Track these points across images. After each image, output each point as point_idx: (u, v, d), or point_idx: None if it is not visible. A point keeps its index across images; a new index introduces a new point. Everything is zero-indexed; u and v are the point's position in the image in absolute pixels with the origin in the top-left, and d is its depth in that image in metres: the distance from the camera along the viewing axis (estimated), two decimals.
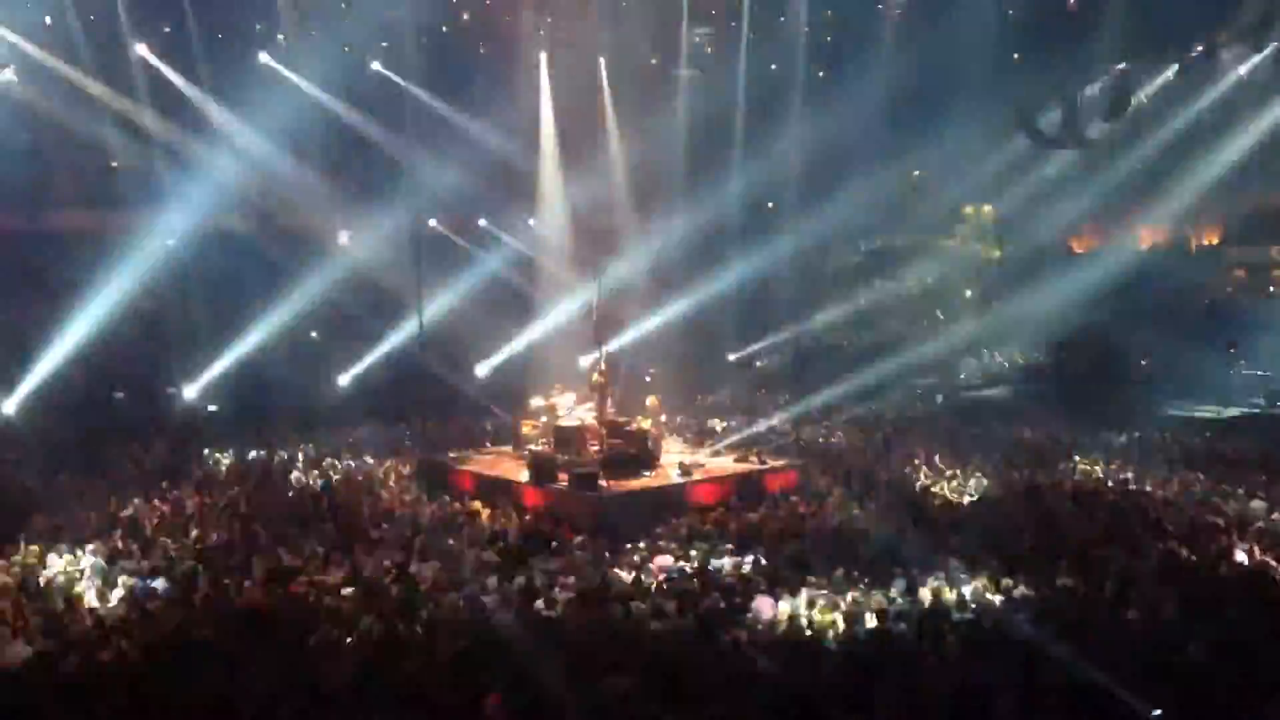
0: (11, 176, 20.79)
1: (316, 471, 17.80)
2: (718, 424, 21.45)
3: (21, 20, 20.31)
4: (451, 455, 18.20)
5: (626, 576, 11.13)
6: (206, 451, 18.85)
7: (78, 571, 11.20)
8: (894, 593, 10.09)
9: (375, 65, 24.08)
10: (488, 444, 19.53)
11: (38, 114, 20.58)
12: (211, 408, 22.31)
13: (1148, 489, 14.95)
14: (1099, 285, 23.23)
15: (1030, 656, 8.10)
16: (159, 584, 10.64)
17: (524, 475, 15.81)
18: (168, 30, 22.46)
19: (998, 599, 9.87)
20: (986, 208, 29.48)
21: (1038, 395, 23.00)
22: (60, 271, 21.32)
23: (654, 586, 10.71)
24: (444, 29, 25.26)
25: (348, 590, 10.54)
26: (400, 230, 24.10)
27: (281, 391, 21.63)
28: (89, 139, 21.53)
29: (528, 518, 14.33)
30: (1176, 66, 23.02)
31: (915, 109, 25.02)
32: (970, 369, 26.84)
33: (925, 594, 10.08)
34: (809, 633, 9.13)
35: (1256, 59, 21.90)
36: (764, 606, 9.79)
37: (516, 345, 24.31)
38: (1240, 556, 10.96)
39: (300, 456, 18.78)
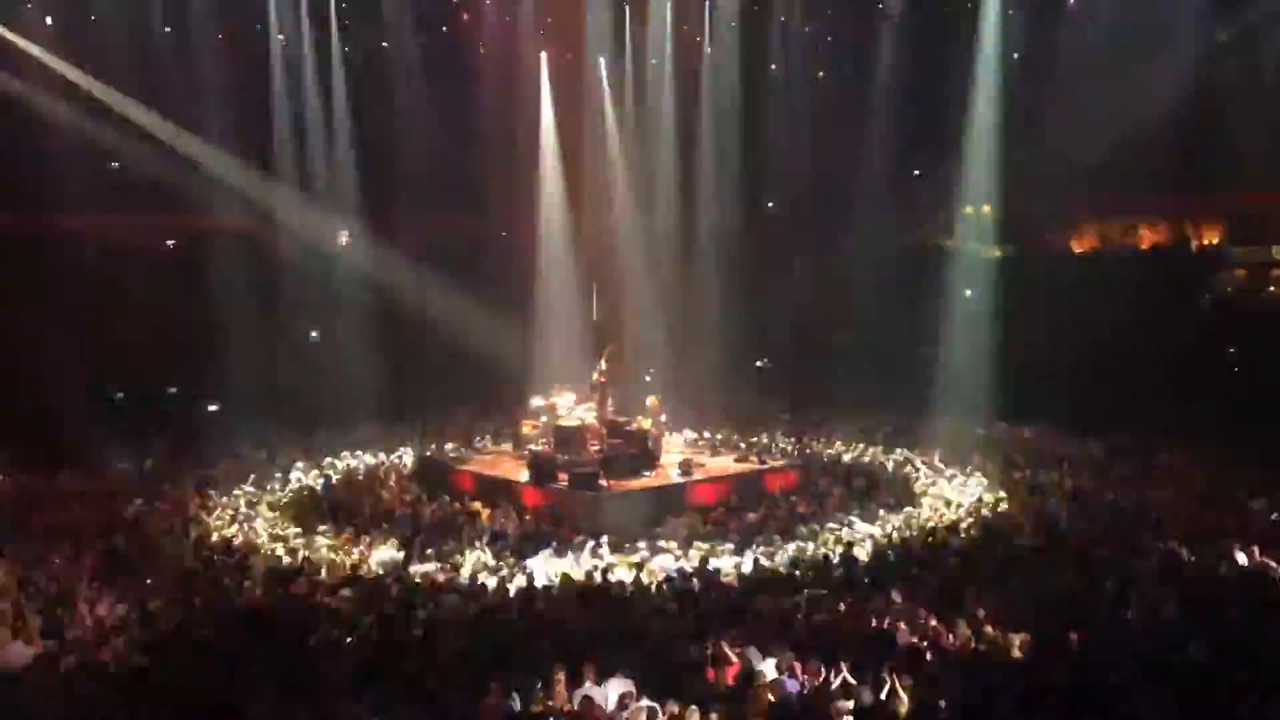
0: (11, 176, 20.78)
1: (316, 471, 17.84)
2: (717, 424, 21.46)
3: (22, 20, 20.32)
4: (451, 455, 18.21)
5: (627, 576, 11.16)
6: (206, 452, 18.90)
7: None
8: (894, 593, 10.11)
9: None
10: (487, 444, 19.56)
11: (38, 114, 20.56)
12: (211, 407, 22.29)
13: (1148, 489, 14.93)
14: (1099, 285, 23.17)
15: (1034, 658, 8.13)
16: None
17: (524, 475, 15.82)
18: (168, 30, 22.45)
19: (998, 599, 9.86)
20: (986, 208, 29.43)
21: (1038, 395, 22.95)
22: (60, 271, 21.31)
23: (654, 586, 10.73)
24: (444, 28, 25.23)
25: (347, 590, 10.56)
26: (400, 230, 24.17)
27: (281, 391, 21.64)
28: (89, 139, 21.49)
29: (528, 518, 14.35)
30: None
31: (916, 109, 24.96)
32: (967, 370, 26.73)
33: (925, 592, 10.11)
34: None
35: None
36: (764, 607, 9.80)
37: (516, 345, 24.26)
38: (1240, 557, 10.95)
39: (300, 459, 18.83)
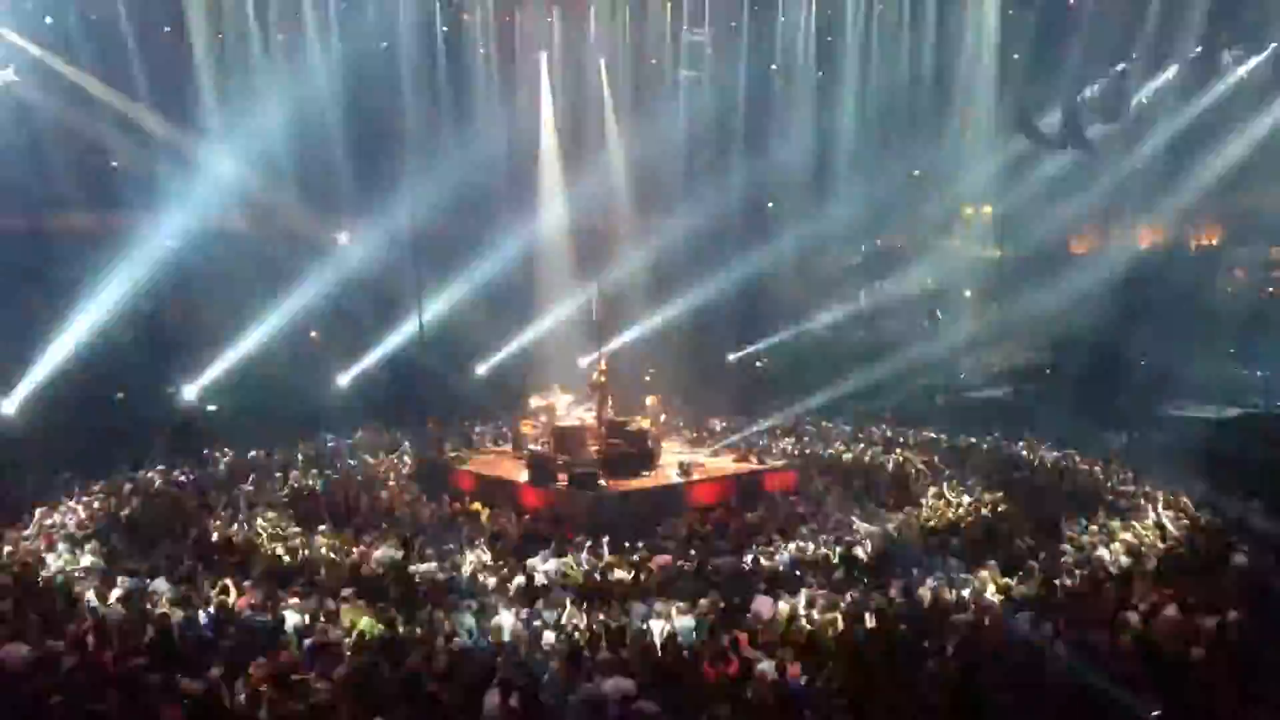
0: (11, 176, 20.78)
1: (316, 471, 17.84)
2: (717, 424, 21.48)
3: (22, 20, 20.31)
4: (451, 455, 18.23)
5: (626, 576, 11.15)
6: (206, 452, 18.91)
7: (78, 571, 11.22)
8: (893, 593, 10.11)
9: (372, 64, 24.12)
10: (487, 444, 19.56)
11: (38, 114, 20.56)
12: (211, 407, 22.30)
13: (1147, 489, 14.93)
14: (1099, 285, 23.20)
15: (1030, 656, 8.12)
16: (160, 584, 10.63)
17: (524, 475, 15.83)
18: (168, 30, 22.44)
19: (998, 599, 9.87)
20: (986, 208, 29.45)
21: (1037, 396, 22.99)
22: (60, 271, 21.31)
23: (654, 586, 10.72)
24: (445, 29, 25.23)
25: (347, 590, 10.54)
26: (400, 230, 24.12)
27: (281, 391, 21.64)
28: (89, 139, 21.50)
29: (527, 518, 14.35)
30: (1176, 67, 23.08)
31: (915, 109, 25.00)
32: (970, 369, 26.82)
33: (925, 594, 10.11)
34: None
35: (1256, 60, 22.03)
36: (764, 607, 9.80)
37: (516, 345, 24.31)
38: (1239, 557, 10.95)
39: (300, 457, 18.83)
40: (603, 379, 17.15)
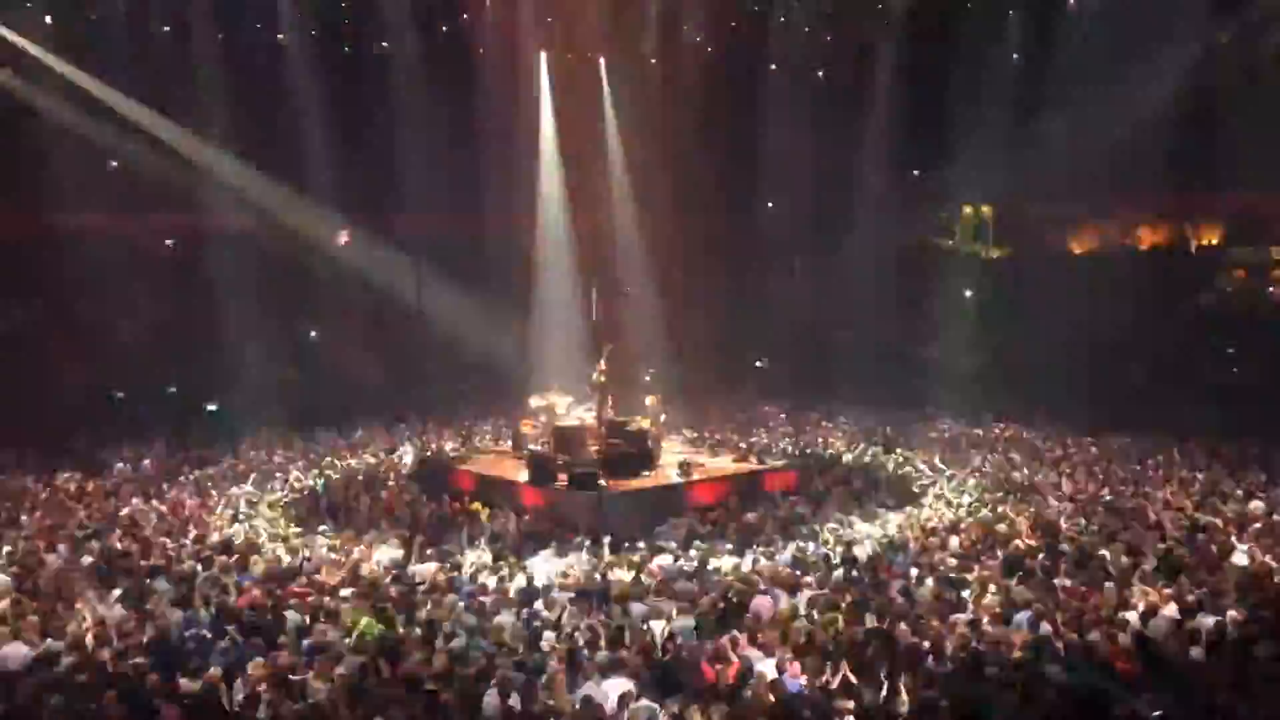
0: (11, 176, 20.76)
1: (315, 470, 17.83)
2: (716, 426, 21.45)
3: (22, 20, 20.30)
4: (451, 455, 18.19)
5: (626, 576, 11.15)
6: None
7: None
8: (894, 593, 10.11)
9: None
10: (487, 443, 19.54)
11: (38, 114, 20.55)
12: (211, 407, 22.30)
13: (1147, 489, 14.92)
14: (1098, 285, 23.17)
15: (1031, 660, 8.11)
16: (159, 583, 10.62)
17: (524, 475, 15.81)
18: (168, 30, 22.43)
19: (998, 599, 9.86)
20: (986, 208, 29.44)
21: (1037, 396, 22.93)
22: (60, 271, 21.31)
23: (654, 586, 10.72)
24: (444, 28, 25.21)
25: (347, 590, 10.54)
26: (399, 230, 24.15)
27: (281, 391, 21.64)
28: (89, 139, 21.48)
29: (527, 518, 14.34)
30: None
31: (915, 109, 24.95)
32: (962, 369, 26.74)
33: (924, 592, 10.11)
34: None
35: None
36: (764, 607, 9.79)
37: (516, 345, 24.27)
38: (1240, 557, 10.94)
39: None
40: (603, 379, 17.13)
